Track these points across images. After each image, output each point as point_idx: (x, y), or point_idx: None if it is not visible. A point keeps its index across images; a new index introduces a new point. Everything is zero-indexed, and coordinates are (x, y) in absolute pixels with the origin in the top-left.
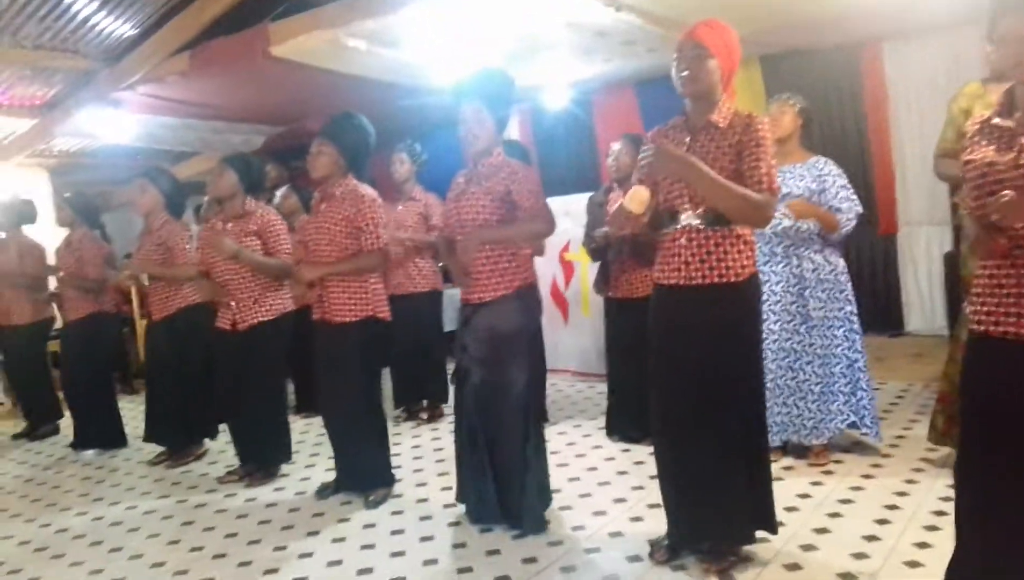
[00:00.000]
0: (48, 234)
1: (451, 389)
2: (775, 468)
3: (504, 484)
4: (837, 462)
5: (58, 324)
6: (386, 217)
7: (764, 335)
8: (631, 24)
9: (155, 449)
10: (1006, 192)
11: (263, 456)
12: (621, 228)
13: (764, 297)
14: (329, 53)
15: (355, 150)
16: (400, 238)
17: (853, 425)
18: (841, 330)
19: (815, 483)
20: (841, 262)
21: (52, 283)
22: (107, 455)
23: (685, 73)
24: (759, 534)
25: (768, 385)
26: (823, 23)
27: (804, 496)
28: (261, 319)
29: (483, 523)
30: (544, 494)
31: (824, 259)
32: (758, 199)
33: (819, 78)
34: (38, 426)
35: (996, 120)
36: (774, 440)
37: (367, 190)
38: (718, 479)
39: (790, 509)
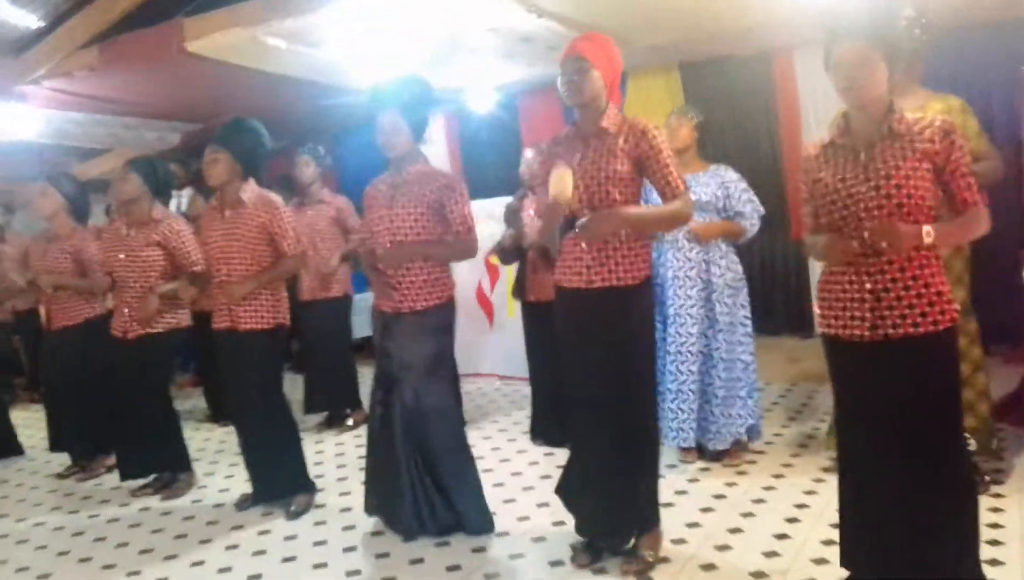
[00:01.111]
0: None
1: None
2: (691, 470)
3: (453, 488)
4: (750, 463)
5: None
6: (295, 221)
7: (683, 338)
8: (553, 31)
9: (62, 461)
10: (898, 224)
11: (161, 466)
12: (555, 218)
13: (681, 302)
14: (248, 51)
15: (250, 155)
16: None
17: (751, 428)
18: (739, 334)
19: (729, 483)
20: (739, 267)
21: None
22: (12, 468)
23: (571, 85)
24: (677, 535)
25: (680, 388)
26: (738, 32)
27: (719, 497)
28: (151, 331)
29: (422, 535)
30: None
31: (727, 265)
32: (679, 206)
33: (736, 85)
34: None
35: (838, 141)
36: (688, 442)
37: (275, 196)
38: (623, 473)
39: (706, 510)
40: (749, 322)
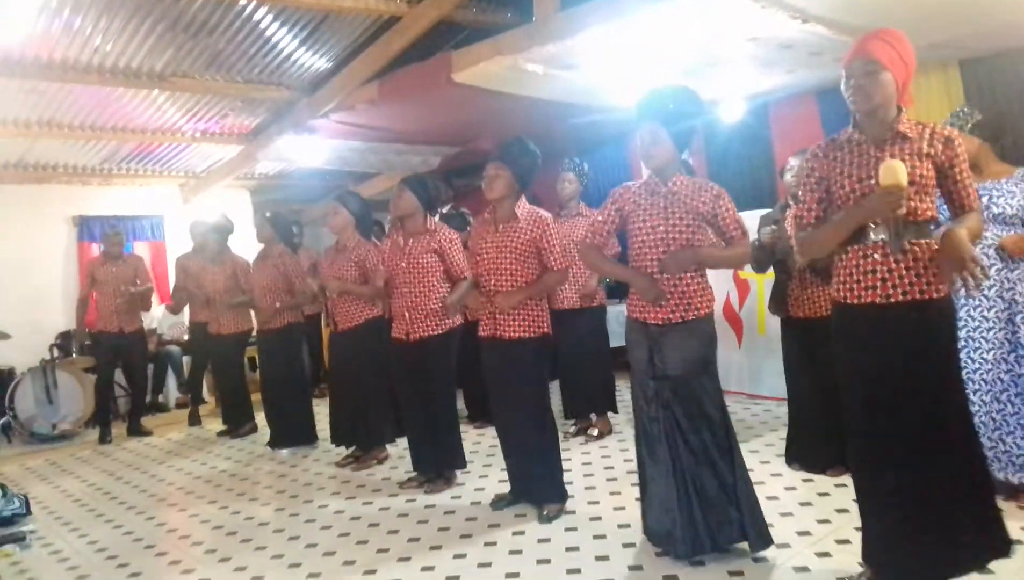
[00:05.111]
0: (246, 248)
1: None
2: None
3: (728, 495)
4: None
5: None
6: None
7: (977, 364)
8: (819, 35)
9: (339, 451)
10: None
11: (438, 463)
12: (894, 208)
13: (976, 323)
14: (507, 77)
15: (527, 173)
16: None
17: None
18: None
19: None
20: None
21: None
22: (300, 454)
23: (859, 90)
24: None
25: (977, 417)
26: None
27: (1018, 542)
28: (432, 332)
29: (700, 554)
30: None
31: None
32: (978, 219)
33: None
34: (237, 426)
35: None
36: None
37: (545, 213)
38: (957, 506)
39: None
40: None
